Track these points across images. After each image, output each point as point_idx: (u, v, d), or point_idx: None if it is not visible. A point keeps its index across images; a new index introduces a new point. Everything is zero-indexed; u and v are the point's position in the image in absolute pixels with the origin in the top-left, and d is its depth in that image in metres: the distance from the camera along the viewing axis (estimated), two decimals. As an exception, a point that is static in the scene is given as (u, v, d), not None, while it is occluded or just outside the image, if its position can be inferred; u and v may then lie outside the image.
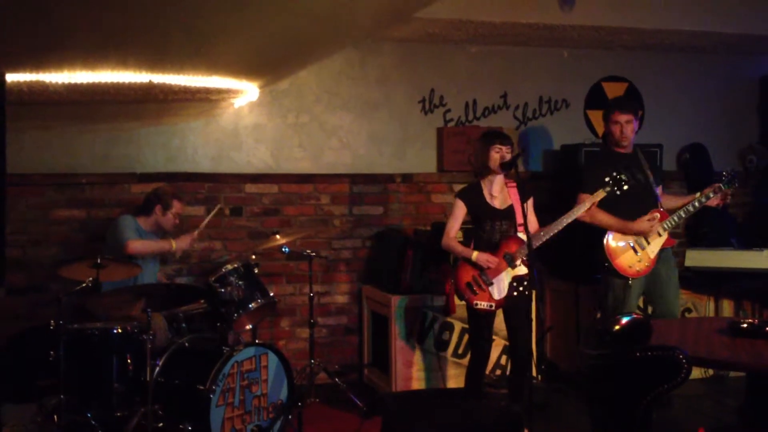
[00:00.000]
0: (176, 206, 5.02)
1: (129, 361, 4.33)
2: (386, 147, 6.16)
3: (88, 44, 3.85)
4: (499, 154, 4.47)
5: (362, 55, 6.06)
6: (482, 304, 4.45)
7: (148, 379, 4.12)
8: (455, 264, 4.62)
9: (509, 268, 4.47)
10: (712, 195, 4.82)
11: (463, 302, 4.60)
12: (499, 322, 4.69)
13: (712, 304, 5.91)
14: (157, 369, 4.24)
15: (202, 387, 4.10)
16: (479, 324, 4.54)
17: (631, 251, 4.84)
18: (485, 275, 4.45)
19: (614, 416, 2.69)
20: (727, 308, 5.91)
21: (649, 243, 4.83)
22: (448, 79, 6.23)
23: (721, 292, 5.86)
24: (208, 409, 4.07)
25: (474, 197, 4.56)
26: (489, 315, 4.52)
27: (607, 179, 4.53)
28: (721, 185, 4.81)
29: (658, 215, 4.83)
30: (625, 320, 2.78)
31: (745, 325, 3.30)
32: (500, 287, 4.46)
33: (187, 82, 4.39)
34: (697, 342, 3.21)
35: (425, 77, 6.19)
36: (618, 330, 2.75)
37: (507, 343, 5.45)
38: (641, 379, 2.60)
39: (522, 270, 4.48)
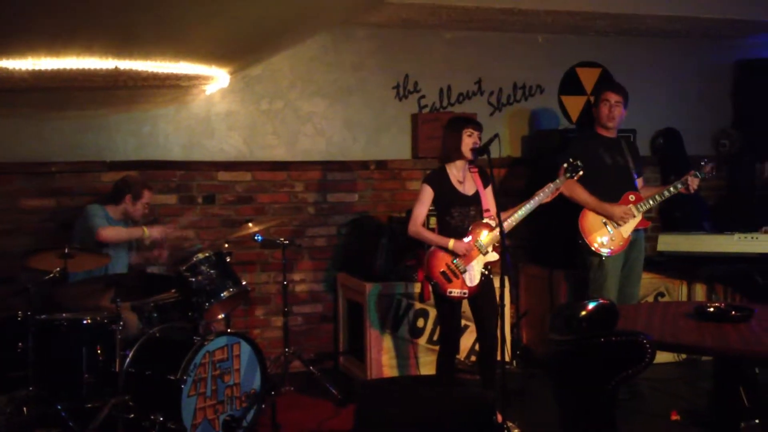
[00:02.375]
0: (146, 196, 4.97)
1: (99, 351, 4.29)
2: (361, 133, 6.13)
3: (52, 29, 3.78)
4: (471, 138, 4.46)
5: (336, 41, 6.01)
6: (456, 292, 4.44)
7: (117, 369, 4.08)
8: (426, 251, 4.59)
9: (481, 255, 4.47)
10: (689, 181, 4.87)
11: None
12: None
13: (685, 288, 5.95)
14: (128, 359, 4.21)
15: (173, 377, 4.07)
16: (449, 311, 4.53)
17: (604, 229, 4.94)
18: (459, 263, 4.44)
19: (579, 401, 2.69)
20: (700, 292, 5.95)
21: (624, 223, 4.93)
22: (422, 65, 6.20)
23: (694, 276, 5.90)
24: (179, 399, 4.04)
25: (442, 183, 4.52)
26: (459, 302, 4.52)
27: (565, 165, 4.56)
28: (697, 173, 4.88)
29: (634, 197, 4.96)
30: (591, 305, 2.78)
31: (711, 309, 3.32)
32: (472, 274, 4.45)
33: (155, 69, 4.32)
34: (663, 326, 3.22)
35: (400, 63, 6.16)
36: (584, 315, 2.75)
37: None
38: (606, 364, 2.60)
39: (493, 256, 4.48)
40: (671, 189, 4.92)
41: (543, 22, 5.99)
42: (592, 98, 6.43)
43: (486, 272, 4.49)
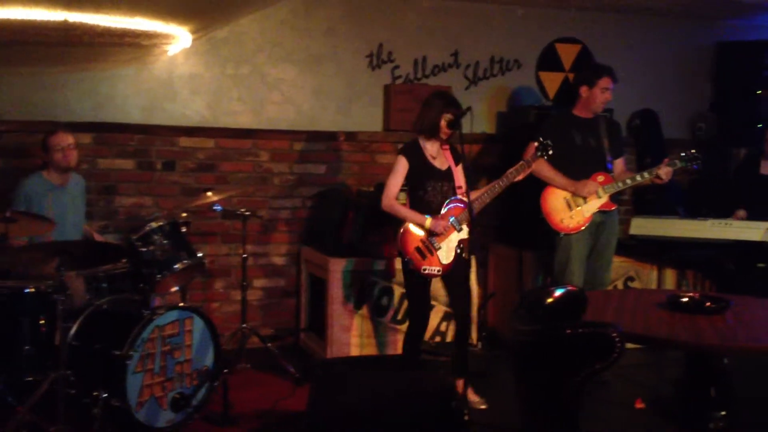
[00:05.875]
0: (53, 141, 4.56)
1: (42, 323, 4.06)
2: (331, 103, 5.90)
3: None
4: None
5: (307, 4, 5.75)
6: (430, 269, 4.30)
7: (58, 342, 3.86)
8: (400, 228, 4.41)
9: (456, 232, 4.31)
10: (661, 172, 4.73)
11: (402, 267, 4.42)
12: (438, 288, 4.53)
13: (655, 273, 5.85)
14: (72, 332, 3.98)
15: (118, 352, 3.85)
16: (421, 289, 4.38)
17: (564, 206, 4.87)
18: (434, 240, 4.27)
19: (544, 395, 2.53)
20: (671, 277, 5.85)
21: (585, 202, 4.85)
22: (397, 34, 5.97)
23: (665, 261, 5.80)
24: (124, 375, 3.82)
25: (417, 156, 4.37)
26: (430, 280, 4.37)
27: (536, 144, 4.49)
28: (677, 161, 4.75)
29: (603, 178, 4.87)
30: (558, 292, 2.61)
31: (685, 300, 3.16)
32: (447, 252, 4.30)
33: (109, 23, 4.05)
34: (634, 316, 3.06)
35: (374, 31, 5.92)
36: (551, 303, 2.58)
37: (448, 310, 5.33)
38: (572, 357, 2.43)
39: (466, 234, 4.34)
40: (645, 175, 4.80)
41: (523, -6, 5.79)
42: (570, 75, 6.29)
43: (459, 250, 4.33)
